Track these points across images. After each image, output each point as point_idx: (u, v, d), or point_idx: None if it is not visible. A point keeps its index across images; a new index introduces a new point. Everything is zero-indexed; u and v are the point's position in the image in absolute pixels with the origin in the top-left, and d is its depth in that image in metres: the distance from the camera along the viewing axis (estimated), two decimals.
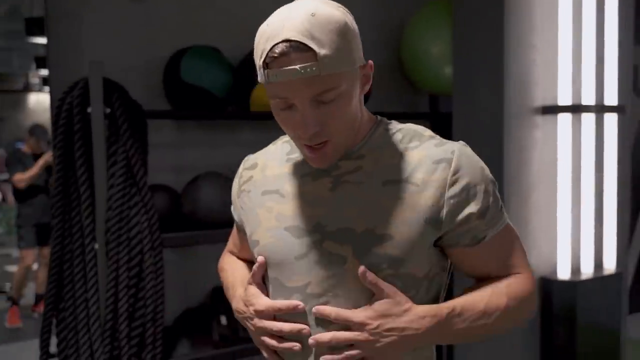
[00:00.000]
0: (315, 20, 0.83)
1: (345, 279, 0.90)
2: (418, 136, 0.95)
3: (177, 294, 2.50)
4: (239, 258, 1.19)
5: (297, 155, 1.00)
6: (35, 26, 5.28)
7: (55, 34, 2.24)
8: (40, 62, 7.29)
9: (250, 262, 1.17)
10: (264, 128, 2.66)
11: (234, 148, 2.58)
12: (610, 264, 2.55)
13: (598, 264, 2.52)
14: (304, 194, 0.95)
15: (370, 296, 0.90)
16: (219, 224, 2.20)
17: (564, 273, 2.42)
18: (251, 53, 2.46)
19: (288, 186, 0.97)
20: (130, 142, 1.95)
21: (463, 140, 2.47)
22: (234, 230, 1.17)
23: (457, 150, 0.91)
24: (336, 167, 0.94)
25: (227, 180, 2.24)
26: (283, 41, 0.82)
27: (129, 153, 1.95)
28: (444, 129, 3.10)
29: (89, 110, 1.94)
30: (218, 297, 2.56)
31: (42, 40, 5.51)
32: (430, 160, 0.91)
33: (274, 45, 0.83)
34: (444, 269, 0.97)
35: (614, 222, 2.54)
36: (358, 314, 0.87)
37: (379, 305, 0.88)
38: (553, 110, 2.34)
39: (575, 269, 2.45)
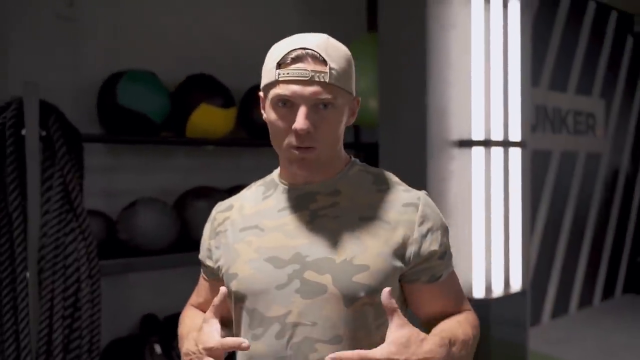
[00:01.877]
0: (330, 43, 0.97)
1: (324, 307, 0.94)
2: (388, 181, 1.05)
3: (105, 323, 2.40)
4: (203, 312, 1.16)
5: (272, 192, 1.05)
6: None
7: None
8: None
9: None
10: (199, 154, 2.67)
11: (168, 173, 2.56)
12: (516, 283, 2.83)
13: (505, 283, 2.79)
14: (283, 226, 1.00)
15: (347, 324, 0.94)
16: (155, 251, 2.17)
17: (478, 292, 2.65)
18: (188, 79, 2.48)
19: (266, 220, 1.02)
20: (67, 167, 1.89)
21: (389, 168, 2.66)
22: (200, 282, 1.16)
23: (422, 197, 1.03)
24: (314, 201, 1.00)
25: (164, 206, 2.23)
26: (301, 48, 0.94)
27: (66, 178, 1.89)
28: (367, 158, 3.29)
29: (23, 132, 1.86)
30: (148, 326, 2.50)
31: None
32: (400, 203, 1.01)
33: (291, 50, 0.94)
34: (404, 303, 1.05)
35: (519, 244, 2.83)
36: (381, 352, 0.87)
37: (398, 338, 0.89)
38: (468, 144, 2.60)
39: (488, 289, 2.70)
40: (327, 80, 0.93)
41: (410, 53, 2.55)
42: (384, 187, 1.03)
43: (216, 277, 1.08)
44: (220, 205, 1.11)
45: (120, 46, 2.46)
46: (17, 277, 1.82)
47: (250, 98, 2.65)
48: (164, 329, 2.46)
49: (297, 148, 0.95)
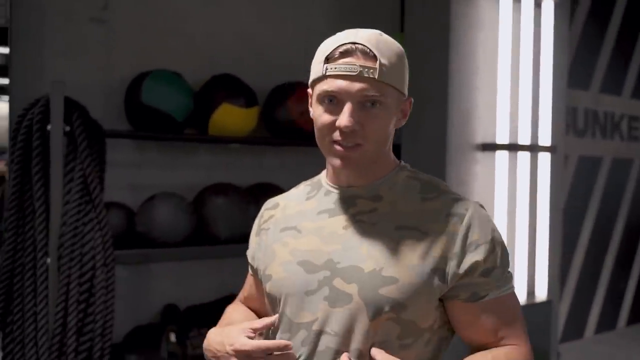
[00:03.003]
0: (382, 38, 0.94)
1: (349, 318, 0.91)
2: (436, 188, 0.98)
3: (128, 310, 2.53)
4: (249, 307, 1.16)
5: (316, 193, 1.03)
6: (1, 35, 5.24)
7: (16, 47, 2.30)
8: (3, 71, 7.14)
9: (256, 312, 1.13)
10: (223, 152, 2.75)
11: (191, 170, 2.66)
12: (541, 292, 2.73)
13: (530, 291, 2.69)
14: (320, 230, 0.97)
15: (369, 338, 0.90)
16: (171, 243, 2.26)
17: None
18: (212, 79, 2.56)
19: (305, 222, 1.00)
20: (87, 161, 2.01)
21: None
22: (248, 277, 1.15)
23: (472, 207, 0.94)
24: (354, 205, 0.97)
25: (182, 200, 2.32)
26: (350, 43, 0.91)
27: (85, 171, 2.01)
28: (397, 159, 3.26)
29: (49, 127, 2.00)
30: (169, 315, 2.60)
31: (5, 50, 5.51)
32: (444, 213, 0.93)
33: (340, 45, 0.91)
34: (446, 322, 0.97)
35: (546, 253, 2.73)
36: None
37: None
38: (491, 147, 2.53)
39: None
40: (376, 76, 0.89)
41: (433, 54, 2.52)
42: (431, 196, 0.96)
43: (257, 274, 1.08)
44: (269, 203, 1.10)
45: (149, 47, 2.57)
46: (38, 262, 1.95)
47: (274, 97, 2.70)
48: (183, 319, 2.55)
49: (341, 146, 0.92)
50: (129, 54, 2.53)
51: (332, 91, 0.91)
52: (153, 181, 2.57)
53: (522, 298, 2.65)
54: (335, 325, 0.91)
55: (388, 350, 0.91)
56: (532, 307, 2.61)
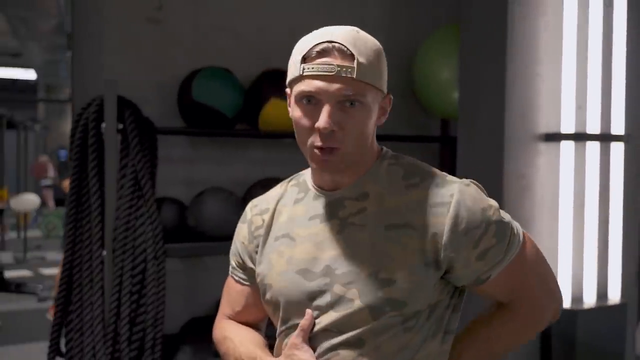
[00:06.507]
0: (359, 36, 0.94)
1: (352, 321, 0.93)
2: (419, 172, 0.97)
3: (184, 302, 2.60)
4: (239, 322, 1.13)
5: (304, 197, 1.02)
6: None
7: (78, 51, 2.42)
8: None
9: (251, 325, 1.12)
10: (272, 146, 2.76)
11: (243, 165, 2.69)
12: (614, 294, 2.52)
13: (602, 293, 2.49)
14: (313, 236, 0.98)
15: (374, 333, 0.93)
16: (220, 237, 2.30)
17: (564, 302, 2.41)
18: (262, 75, 2.57)
19: (297, 229, 1.00)
20: (139, 157, 2.08)
21: (467, 163, 2.51)
22: (234, 288, 1.11)
23: (457, 193, 0.93)
24: (343, 207, 0.97)
25: (230, 195, 2.35)
26: (327, 42, 0.91)
27: (137, 167, 2.08)
28: (454, 153, 3.14)
29: (103, 126, 2.08)
30: None
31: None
32: (429, 203, 0.93)
33: (317, 44, 0.91)
34: (448, 292, 0.98)
35: (619, 251, 2.51)
36: None
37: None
38: (555, 137, 2.36)
39: (577, 298, 2.44)
40: (354, 76, 0.89)
41: (490, 43, 2.38)
42: (414, 182, 0.96)
43: (251, 278, 1.07)
44: (255, 207, 1.08)
45: (201, 45, 2.62)
46: (94, 254, 2.05)
47: None
48: None
49: (320, 149, 0.91)
50: (182, 52, 2.59)
51: (310, 92, 0.90)
52: (206, 176, 2.63)
53: (592, 300, 2.45)
54: (339, 328, 0.94)
55: (392, 334, 0.94)
56: (604, 310, 2.41)
